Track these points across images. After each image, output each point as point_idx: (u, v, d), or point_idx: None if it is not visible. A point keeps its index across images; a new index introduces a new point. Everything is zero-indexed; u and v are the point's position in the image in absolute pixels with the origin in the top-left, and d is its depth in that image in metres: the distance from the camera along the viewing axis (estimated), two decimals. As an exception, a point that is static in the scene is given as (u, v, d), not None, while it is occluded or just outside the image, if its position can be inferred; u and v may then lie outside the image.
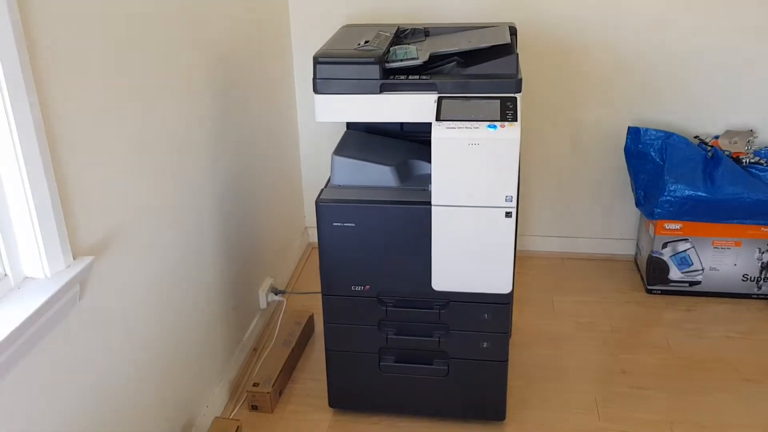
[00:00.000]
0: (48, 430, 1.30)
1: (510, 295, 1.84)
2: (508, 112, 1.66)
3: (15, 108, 1.15)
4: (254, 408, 2.09)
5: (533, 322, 2.49)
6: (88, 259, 1.34)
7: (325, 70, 1.73)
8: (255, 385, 2.09)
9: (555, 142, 2.78)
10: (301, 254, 2.98)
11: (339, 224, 1.80)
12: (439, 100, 1.70)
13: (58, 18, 1.27)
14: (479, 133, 1.64)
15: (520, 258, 2.76)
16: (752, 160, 2.49)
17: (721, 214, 2.45)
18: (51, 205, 1.25)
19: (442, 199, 1.72)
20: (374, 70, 1.71)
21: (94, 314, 1.43)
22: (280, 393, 2.16)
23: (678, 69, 2.59)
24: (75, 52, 1.33)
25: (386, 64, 1.76)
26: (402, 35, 2.07)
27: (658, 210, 2.48)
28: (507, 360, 1.92)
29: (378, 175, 1.85)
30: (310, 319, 2.44)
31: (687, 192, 2.42)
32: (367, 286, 1.87)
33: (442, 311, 1.87)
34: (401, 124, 2.04)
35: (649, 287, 2.66)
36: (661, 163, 2.52)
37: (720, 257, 2.55)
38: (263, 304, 2.45)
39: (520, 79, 1.71)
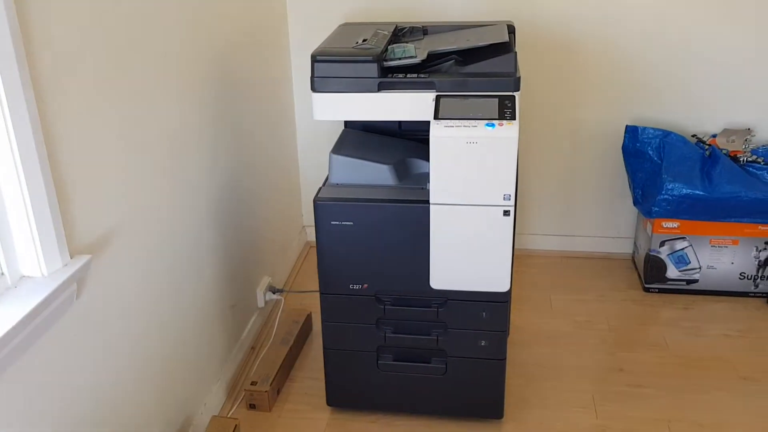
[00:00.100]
0: (45, 429, 1.30)
1: (508, 294, 1.84)
2: (506, 111, 1.66)
3: (12, 107, 1.14)
4: (252, 407, 2.09)
5: (531, 320, 2.50)
6: (85, 258, 1.34)
7: (323, 69, 1.72)
8: (253, 383, 2.09)
9: (553, 140, 2.78)
10: (299, 253, 2.98)
11: (337, 223, 1.79)
12: (438, 99, 1.70)
13: (56, 17, 1.26)
14: (477, 131, 1.64)
15: (518, 256, 2.76)
16: (750, 159, 2.49)
17: (719, 213, 2.45)
18: (48, 204, 1.24)
19: (440, 198, 1.72)
20: (372, 69, 1.71)
21: (91, 313, 1.42)
22: (278, 391, 2.16)
23: (676, 68, 2.60)
24: (72, 51, 1.32)
25: (384, 63, 1.75)
26: (400, 33, 2.07)
27: (656, 208, 2.48)
28: (505, 358, 1.92)
29: (376, 173, 1.85)
30: (308, 317, 2.44)
31: (684, 190, 2.42)
32: (365, 285, 1.86)
33: (440, 310, 1.87)
34: (399, 122, 2.04)
35: (646, 285, 2.66)
36: (659, 161, 2.52)
37: (717, 255, 2.56)
38: (261, 303, 2.45)
39: (519, 78, 1.71)
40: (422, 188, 1.80)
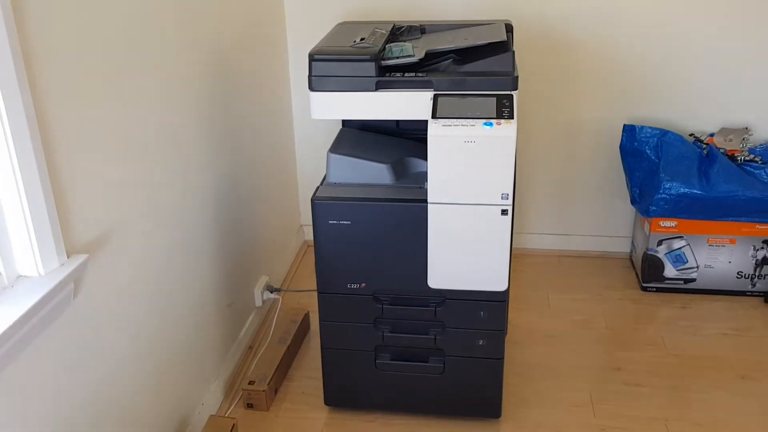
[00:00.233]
0: (42, 429, 1.30)
1: (506, 293, 1.84)
2: (504, 110, 1.66)
3: (8, 105, 1.14)
4: (250, 406, 2.09)
5: (529, 319, 2.50)
6: (82, 257, 1.33)
7: (321, 68, 1.72)
8: (251, 383, 2.09)
9: (551, 139, 2.78)
10: (297, 252, 2.98)
11: (335, 222, 1.79)
12: (435, 98, 1.70)
13: (54, 16, 1.26)
14: (475, 130, 1.63)
15: (515, 255, 2.76)
16: (747, 158, 2.49)
17: (716, 212, 2.46)
18: (45, 203, 1.24)
19: (438, 197, 1.72)
20: (370, 68, 1.71)
21: (88, 312, 1.42)
22: (276, 391, 2.16)
23: (674, 67, 2.60)
24: (70, 50, 1.32)
25: (382, 62, 1.75)
26: (398, 32, 2.07)
27: (654, 207, 2.48)
28: (503, 357, 1.92)
29: (374, 172, 1.85)
30: (306, 316, 2.44)
31: (682, 189, 2.42)
32: (363, 284, 1.86)
33: (438, 309, 1.87)
34: (397, 121, 2.03)
35: (644, 285, 2.67)
36: (657, 160, 2.52)
37: (715, 255, 2.56)
38: (259, 302, 2.45)
39: (517, 77, 1.71)
40: (420, 187, 1.80)
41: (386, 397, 2.01)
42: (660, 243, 2.58)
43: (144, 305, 1.66)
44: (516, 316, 2.47)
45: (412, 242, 1.78)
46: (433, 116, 1.67)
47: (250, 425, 2.03)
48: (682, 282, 2.63)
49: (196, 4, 1.90)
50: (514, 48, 1.85)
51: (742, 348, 2.33)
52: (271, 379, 2.10)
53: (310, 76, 1.73)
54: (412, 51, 1.80)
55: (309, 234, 2.99)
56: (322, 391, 2.05)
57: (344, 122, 2.10)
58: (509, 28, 2.04)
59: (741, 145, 2.54)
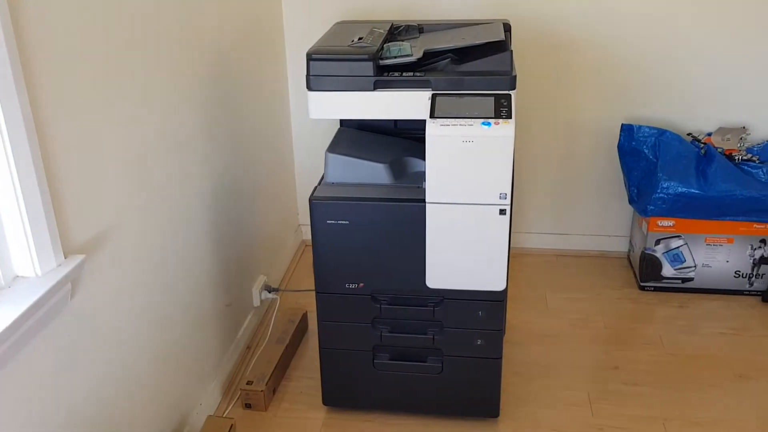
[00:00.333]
0: (39, 429, 1.29)
1: (504, 293, 1.84)
2: (502, 109, 1.66)
3: (4, 106, 1.14)
4: (248, 406, 2.08)
5: (527, 319, 2.50)
6: (79, 258, 1.33)
7: (319, 67, 1.72)
8: (249, 383, 2.09)
9: (549, 139, 2.78)
10: (295, 252, 2.98)
11: (333, 222, 1.79)
12: (433, 97, 1.70)
13: (51, 16, 1.26)
14: (473, 130, 1.63)
15: (513, 255, 2.76)
16: (745, 157, 2.50)
17: (714, 211, 2.46)
18: (41, 203, 1.24)
19: (436, 197, 1.72)
20: (368, 67, 1.70)
21: (85, 313, 1.42)
22: (274, 391, 2.15)
23: (672, 66, 2.60)
24: (67, 50, 1.31)
25: (380, 61, 1.75)
26: (396, 32, 2.07)
27: (651, 207, 2.48)
28: (501, 357, 1.92)
29: (372, 172, 1.85)
30: (304, 316, 2.44)
31: (680, 189, 2.43)
32: (361, 284, 1.86)
33: (436, 309, 1.87)
34: (395, 121, 2.03)
35: (642, 284, 2.67)
36: (655, 160, 2.52)
37: (712, 254, 2.56)
38: (257, 302, 2.44)
39: (515, 76, 1.71)
40: (418, 187, 1.80)
41: (384, 397, 2.01)
42: (658, 242, 2.58)
43: (142, 305, 1.66)
44: (514, 316, 2.47)
45: (410, 242, 1.78)
46: (431, 116, 1.66)
47: (249, 425, 2.03)
48: (679, 281, 2.63)
49: (195, 4, 1.89)
50: (512, 47, 1.85)
51: (740, 347, 2.34)
52: (270, 379, 2.10)
53: (307, 75, 1.73)
54: (410, 50, 1.79)
55: (307, 233, 2.99)
56: (320, 391, 2.04)
57: (342, 122, 2.10)
58: (507, 28, 2.04)
59: (738, 145, 2.54)
